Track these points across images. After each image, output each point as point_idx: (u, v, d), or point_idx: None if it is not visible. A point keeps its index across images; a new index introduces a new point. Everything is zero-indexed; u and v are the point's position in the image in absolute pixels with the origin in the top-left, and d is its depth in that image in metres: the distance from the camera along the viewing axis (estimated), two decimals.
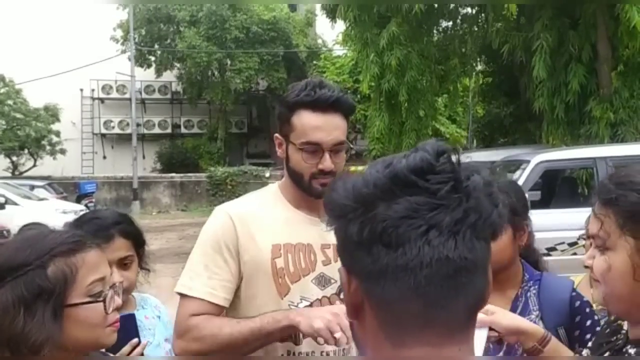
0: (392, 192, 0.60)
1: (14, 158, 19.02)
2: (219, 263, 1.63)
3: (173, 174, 20.26)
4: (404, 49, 10.52)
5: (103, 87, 23.19)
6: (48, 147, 18.61)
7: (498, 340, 1.40)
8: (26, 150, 18.79)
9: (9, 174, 18.72)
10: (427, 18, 10.93)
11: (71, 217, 2.16)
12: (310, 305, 1.66)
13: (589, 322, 1.64)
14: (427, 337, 0.61)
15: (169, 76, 22.72)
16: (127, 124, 22.38)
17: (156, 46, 21.92)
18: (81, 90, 22.77)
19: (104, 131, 23.48)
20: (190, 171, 20.85)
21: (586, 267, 1.40)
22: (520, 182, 5.19)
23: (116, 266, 1.78)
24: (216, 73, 21.75)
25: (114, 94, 23.28)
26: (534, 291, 1.70)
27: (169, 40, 21.79)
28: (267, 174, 19.09)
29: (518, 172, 6.15)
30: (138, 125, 23.33)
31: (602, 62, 9.51)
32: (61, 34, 20.54)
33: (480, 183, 0.62)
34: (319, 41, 23.66)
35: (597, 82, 9.59)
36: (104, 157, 23.58)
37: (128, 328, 1.63)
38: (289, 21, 22.17)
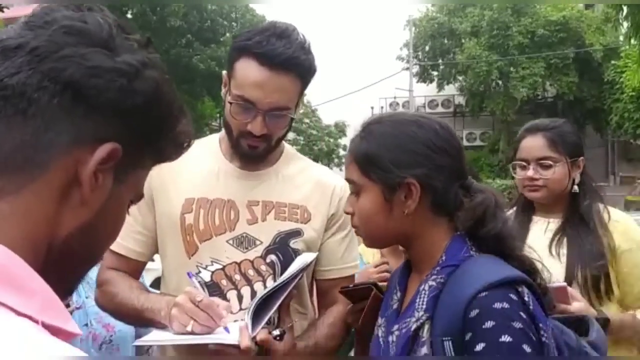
0: None
1: None
2: (135, 213, 1.53)
3: None
4: None
5: (390, 104, 24.52)
6: (336, 160, 20.45)
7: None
8: (319, 163, 20.97)
9: None
10: None
11: None
12: (223, 268, 1.47)
13: (480, 346, 1.01)
14: None
15: (450, 89, 22.81)
16: None
17: (439, 61, 22.26)
18: (372, 107, 24.46)
19: None
20: None
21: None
22: None
23: None
24: (499, 82, 20.95)
25: (400, 110, 24.45)
26: (434, 282, 1.12)
27: (451, 55, 21.89)
28: None
29: None
30: None
31: None
32: (352, 57, 22.57)
33: None
34: (621, 38, 20.79)
35: None
36: None
37: None
38: (582, 19, 20.08)
